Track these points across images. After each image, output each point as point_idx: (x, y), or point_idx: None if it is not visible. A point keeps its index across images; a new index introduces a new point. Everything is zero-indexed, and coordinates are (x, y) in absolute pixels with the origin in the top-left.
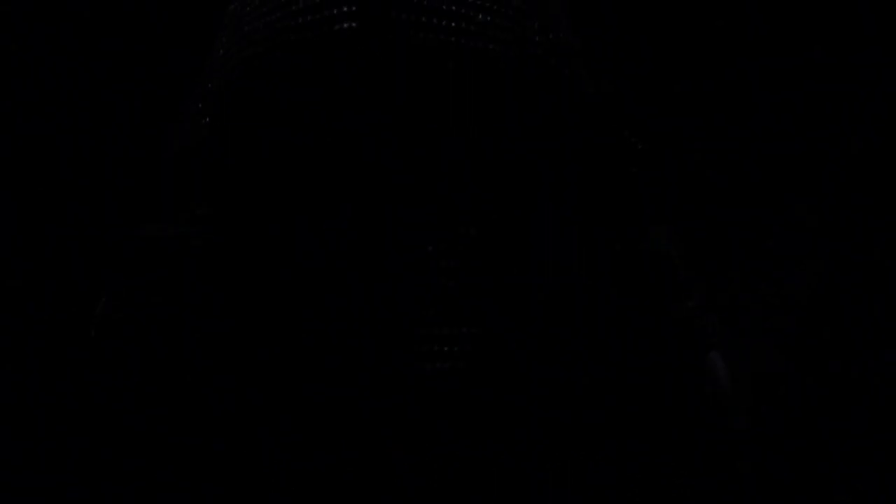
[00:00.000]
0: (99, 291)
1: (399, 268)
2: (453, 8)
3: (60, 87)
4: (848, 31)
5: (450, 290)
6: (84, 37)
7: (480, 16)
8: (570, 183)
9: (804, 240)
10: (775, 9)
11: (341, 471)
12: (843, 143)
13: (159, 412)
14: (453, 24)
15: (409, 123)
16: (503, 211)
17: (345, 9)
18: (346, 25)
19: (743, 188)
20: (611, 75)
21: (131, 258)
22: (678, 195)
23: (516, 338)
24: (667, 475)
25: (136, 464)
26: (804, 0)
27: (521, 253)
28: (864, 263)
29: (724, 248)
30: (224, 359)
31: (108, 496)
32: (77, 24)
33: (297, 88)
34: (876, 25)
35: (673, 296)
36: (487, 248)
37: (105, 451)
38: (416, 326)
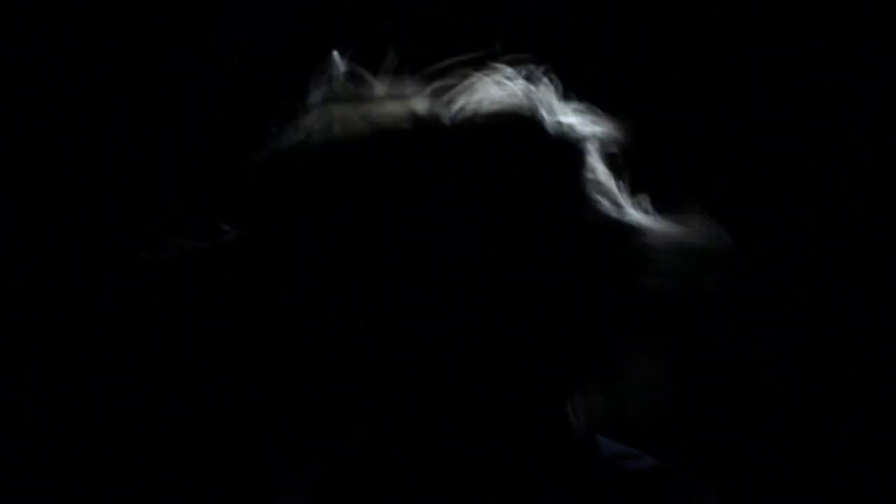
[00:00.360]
0: (99, 290)
1: (400, 256)
2: None
3: (60, 87)
4: (848, 21)
5: (452, 279)
6: (84, 37)
7: None
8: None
9: (804, 237)
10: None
11: (341, 469)
12: (843, 136)
13: (159, 412)
14: None
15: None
16: (501, 200)
17: None
18: None
19: (742, 184)
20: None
21: (131, 258)
22: (676, 190)
23: (517, 331)
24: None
25: (136, 464)
26: None
27: (522, 245)
28: (865, 261)
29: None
30: (224, 359)
31: (108, 496)
32: (77, 24)
33: None
34: (876, 15)
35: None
36: (487, 240)
37: (105, 451)
38: (419, 317)
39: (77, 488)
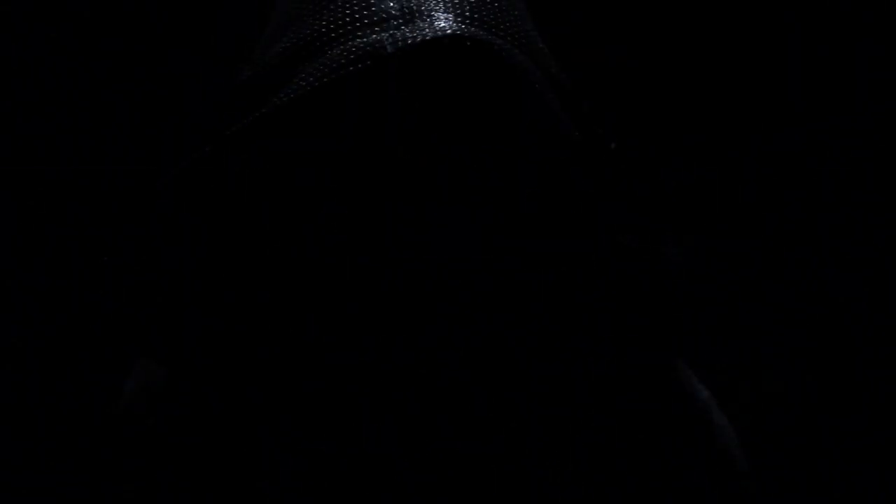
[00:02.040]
0: (97, 292)
1: (401, 258)
2: None
3: (60, 87)
4: (848, 26)
5: (451, 284)
6: (84, 37)
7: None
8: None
9: (803, 238)
10: (775, 3)
11: (341, 469)
12: (843, 140)
13: (159, 412)
14: None
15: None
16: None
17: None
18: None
19: (742, 186)
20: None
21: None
22: (676, 195)
23: (517, 330)
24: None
25: (136, 464)
26: None
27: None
28: (865, 261)
29: (725, 248)
30: (224, 358)
31: (108, 496)
32: (77, 24)
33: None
34: (875, 18)
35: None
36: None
37: (105, 451)
38: (419, 315)
39: (77, 488)
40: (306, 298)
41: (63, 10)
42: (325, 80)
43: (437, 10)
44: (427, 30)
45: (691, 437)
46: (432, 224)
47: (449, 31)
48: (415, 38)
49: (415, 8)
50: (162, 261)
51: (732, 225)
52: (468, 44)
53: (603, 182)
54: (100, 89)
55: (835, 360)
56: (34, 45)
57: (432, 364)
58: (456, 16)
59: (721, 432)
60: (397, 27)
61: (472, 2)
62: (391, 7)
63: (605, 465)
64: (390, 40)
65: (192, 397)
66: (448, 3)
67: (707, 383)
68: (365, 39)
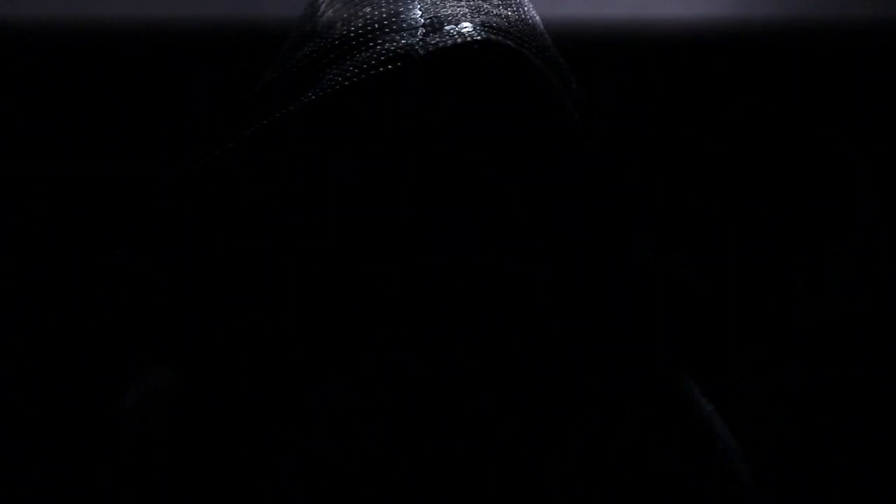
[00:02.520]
0: (98, 292)
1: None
2: None
3: (61, 87)
4: (850, 26)
5: (450, 287)
6: (84, 37)
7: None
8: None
9: (803, 238)
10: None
11: (341, 469)
12: (843, 141)
13: (159, 412)
14: None
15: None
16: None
17: None
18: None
19: (741, 185)
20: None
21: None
22: (677, 192)
23: (517, 330)
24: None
25: (136, 464)
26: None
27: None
28: (865, 261)
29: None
30: (224, 358)
31: (108, 496)
32: (77, 25)
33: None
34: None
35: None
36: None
37: (105, 451)
38: (419, 317)
39: (77, 488)
40: (306, 298)
41: (63, 9)
42: (355, 80)
43: (464, 21)
44: (457, 36)
45: (693, 447)
46: (432, 224)
47: (479, 38)
48: (445, 42)
49: (443, 19)
50: (162, 261)
51: (732, 227)
52: (497, 50)
53: (619, 192)
54: (100, 89)
55: (834, 361)
56: (34, 46)
57: (432, 364)
58: (483, 26)
59: (724, 444)
60: (426, 35)
61: (498, 15)
62: (419, 17)
63: (606, 468)
64: (421, 44)
65: (192, 397)
66: (475, 15)
67: (709, 392)
68: (394, 44)
